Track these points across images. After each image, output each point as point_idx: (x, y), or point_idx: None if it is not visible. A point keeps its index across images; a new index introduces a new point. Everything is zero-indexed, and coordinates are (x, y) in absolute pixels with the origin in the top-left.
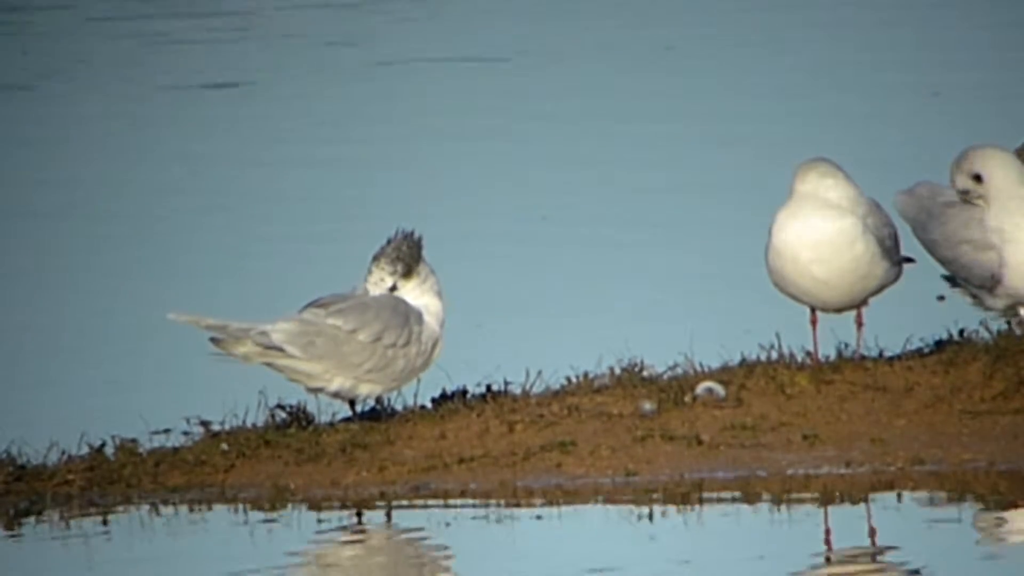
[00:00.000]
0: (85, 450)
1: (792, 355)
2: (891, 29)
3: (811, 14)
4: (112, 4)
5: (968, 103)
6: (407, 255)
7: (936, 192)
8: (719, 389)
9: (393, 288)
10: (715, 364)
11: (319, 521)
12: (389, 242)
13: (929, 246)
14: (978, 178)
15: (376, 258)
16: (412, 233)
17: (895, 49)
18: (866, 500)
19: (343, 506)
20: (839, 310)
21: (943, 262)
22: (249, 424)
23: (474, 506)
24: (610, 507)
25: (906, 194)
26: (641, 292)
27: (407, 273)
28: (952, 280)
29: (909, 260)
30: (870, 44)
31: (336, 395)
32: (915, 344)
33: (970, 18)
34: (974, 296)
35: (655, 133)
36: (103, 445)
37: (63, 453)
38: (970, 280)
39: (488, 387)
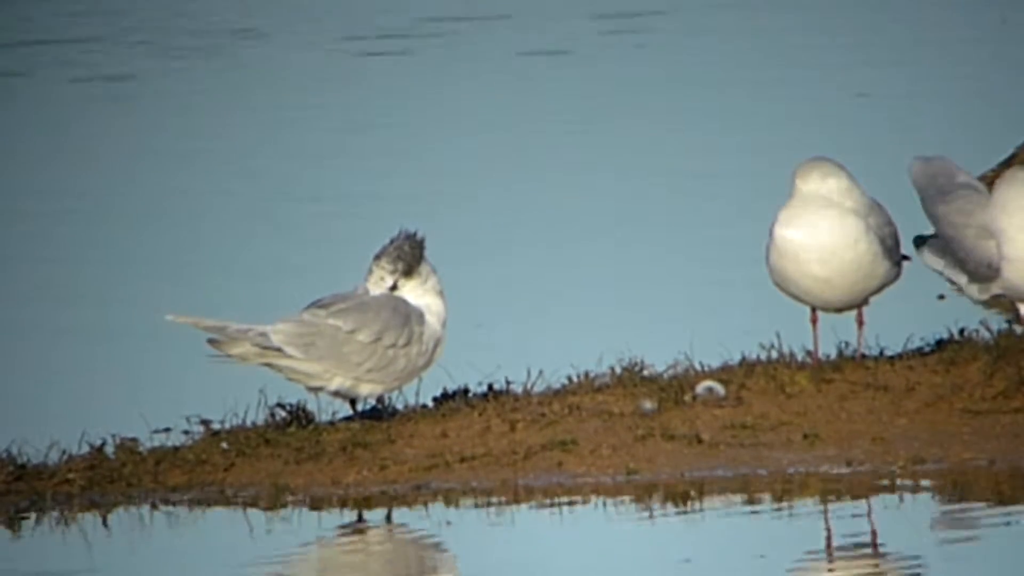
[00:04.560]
0: (85, 449)
1: (792, 354)
2: (819, 29)
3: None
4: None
5: (895, 104)
6: (408, 255)
7: (953, 172)
8: (719, 388)
9: (393, 287)
10: (715, 363)
11: (320, 520)
12: (391, 242)
13: (932, 220)
14: None
15: (377, 257)
16: (414, 234)
17: (823, 49)
18: (866, 499)
19: (344, 505)
20: (840, 310)
21: (946, 240)
22: (249, 423)
23: (475, 505)
24: (611, 506)
25: (923, 163)
26: (641, 292)
27: (408, 272)
28: (922, 240)
29: (906, 258)
30: (796, 44)
31: (336, 394)
32: (916, 343)
33: (897, 20)
34: (948, 268)
35: (654, 135)
36: (103, 444)
37: (63, 452)
38: (967, 264)
39: (489, 386)
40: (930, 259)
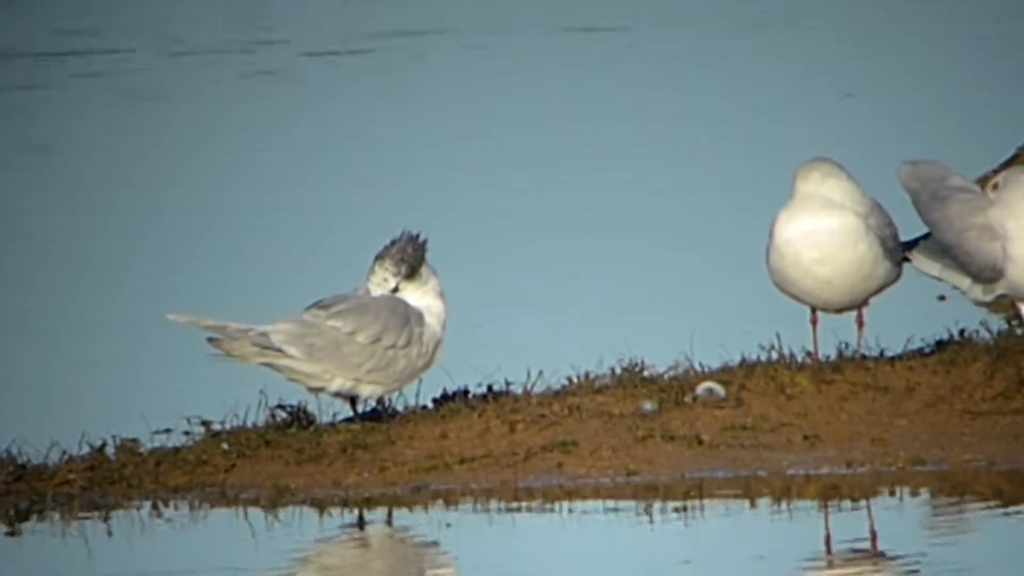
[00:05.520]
0: (86, 450)
1: (792, 355)
2: (810, 30)
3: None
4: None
5: (882, 106)
6: (411, 257)
7: (944, 174)
8: (719, 389)
9: (395, 289)
10: (715, 364)
11: (320, 521)
12: (393, 243)
13: (930, 225)
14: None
15: (380, 258)
16: (417, 236)
17: (810, 50)
18: (866, 500)
19: (344, 506)
20: (840, 310)
21: (945, 245)
22: (250, 424)
23: (475, 506)
24: (611, 507)
25: (912, 167)
26: (642, 292)
27: (410, 275)
28: (910, 245)
29: (906, 259)
30: (786, 44)
31: (337, 395)
32: (916, 344)
33: (885, 20)
34: (943, 268)
35: (654, 133)
36: (104, 445)
37: (64, 453)
38: (969, 267)
39: (489, 387)
40: (924, 264)
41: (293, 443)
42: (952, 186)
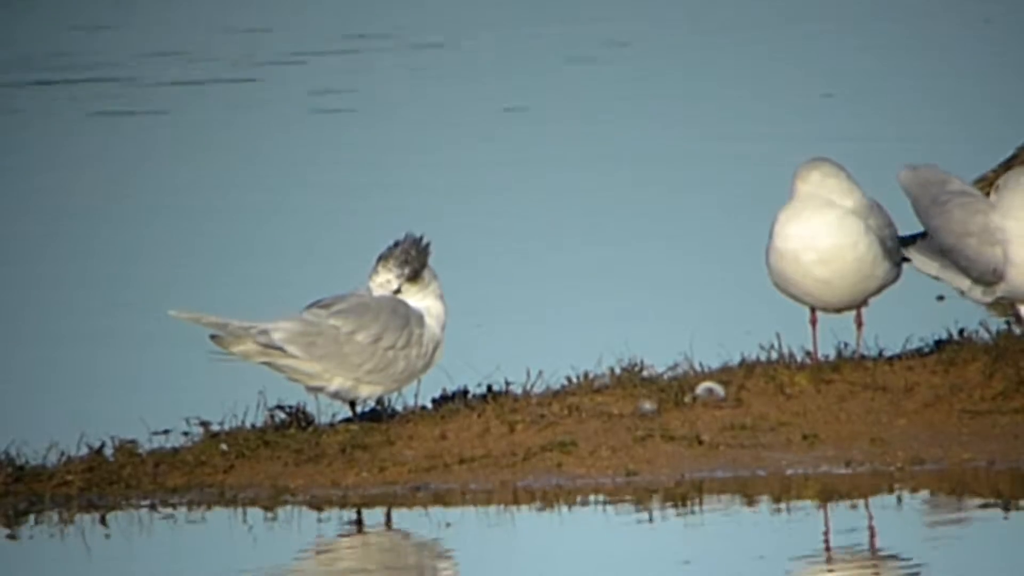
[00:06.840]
0: (84, 451)
1: (792, 355)
2: (791, 28)
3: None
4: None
5: (861, 105)
6: (415, 259)
7: (944, 179)
8: (719, 389)
9: (397, 291)
10: (715, 364)
11: (319, 522)
12: (397, 244)
13: (931, 230)
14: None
15: (384, 259)
16: (421, 238)
17: (791, 49)
18: (866, 500)
19: (343, 507)
20: (839, 310)
21: (946, 249)
22: (249, 425)
23: (475, 506)
24: (610, 507)
25: (912, 171)
26: (641, 292)
27: (413, 277)
28: (909, 240)
29: (906, 259)
30: (765, 41)
31: (336, 395)
32: (915, 344)
33: (874, 19)
34: (942, 268)
35: (654, 134)
36: (102, 446)
37: (62, 454)
38: (970, 271)
39: (489, 387)
40: (922, 262)
41: (292, 444)
42: (952, 190)
